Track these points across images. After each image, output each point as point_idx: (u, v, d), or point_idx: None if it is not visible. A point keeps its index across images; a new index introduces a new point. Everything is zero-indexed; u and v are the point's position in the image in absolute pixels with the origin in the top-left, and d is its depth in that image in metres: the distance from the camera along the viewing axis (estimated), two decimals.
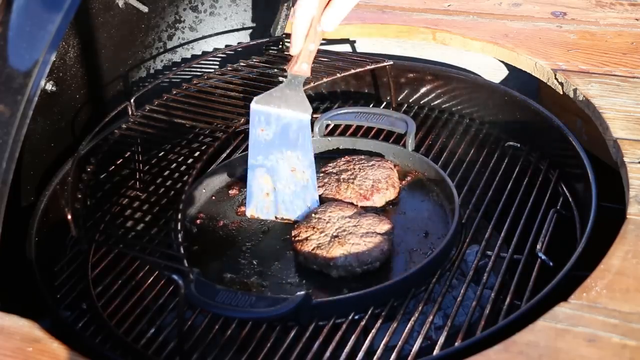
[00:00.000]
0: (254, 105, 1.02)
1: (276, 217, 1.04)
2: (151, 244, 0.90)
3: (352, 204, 1.03)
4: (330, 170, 1.09)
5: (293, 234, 0.97)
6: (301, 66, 1.00)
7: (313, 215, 0.99)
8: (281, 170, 1.02)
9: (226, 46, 1.33)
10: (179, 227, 0.87)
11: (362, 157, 1.12)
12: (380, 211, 1.04)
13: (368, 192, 1.04)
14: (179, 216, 0.89)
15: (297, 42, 0.99)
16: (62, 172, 1.05)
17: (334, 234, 0.94)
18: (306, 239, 0.95)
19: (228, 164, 1.16)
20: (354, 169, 1.08)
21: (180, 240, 0.86)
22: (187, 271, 0.80)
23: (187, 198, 1.04)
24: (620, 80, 1.13)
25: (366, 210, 1.03)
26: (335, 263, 0.91)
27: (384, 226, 0.96)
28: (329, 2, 0.96)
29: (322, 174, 1.09)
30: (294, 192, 1.02)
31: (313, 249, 0.93)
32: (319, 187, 1.06)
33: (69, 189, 0.95)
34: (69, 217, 0.92)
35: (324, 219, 0.97)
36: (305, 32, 0.98)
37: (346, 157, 1.12)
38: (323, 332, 0.83)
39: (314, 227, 0.96)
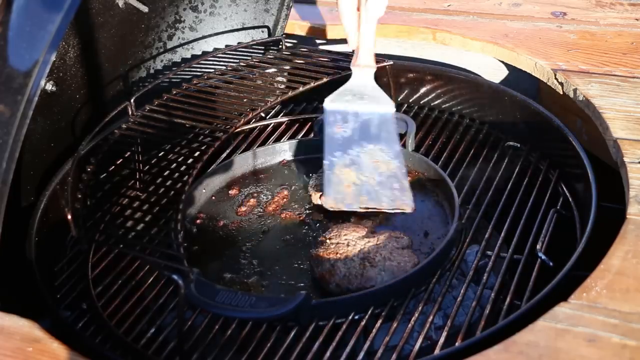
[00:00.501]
0: (327, 105, 0.98)
1: (361, 207, 0.96)
2: (151, 244, 0.90)
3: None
4: None
5: (314, 263, 0.93)
6: (363, 58, 0.96)
7: (328, 241, 0.95)
8: (364, 163, 0.96)
9: (226, 46, 1.33)
10: (179, 227, 0.87)
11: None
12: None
13: None
14: (179, 216, 0.89)
15: (351, 36, 0.95)
16: (62, 172, 1.05)
17: (361, 257, 0.91)
18: (332, 266, 0.91)
19: (228, 164, 1.16)
20: None
21: (180, 240, 0.86)
22: (187, 271, 0.80)
23: (187, 198, 1.04)
24: (620, 80, 1.13)
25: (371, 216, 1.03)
26: (373, 286, 0.88)
27: (404, 240, 0.94)
28: None
29: (322, 174, 1.09)
30: (380, 182, 0.95)
31: (345, 276, 0.90)
32: (319, 187, 1.06)
33: (69, 189, 0.95)
34: (69, 217, 0.92)
35: (343, 243, 0.94)
36: (354, 24, 0.94)
37: None
38: (323, 332, 0.83)
39: (336, 253, 0.92)
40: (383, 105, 0.96)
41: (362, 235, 0.95)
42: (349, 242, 0.94)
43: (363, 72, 0.97)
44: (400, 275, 0.89)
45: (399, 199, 0.93)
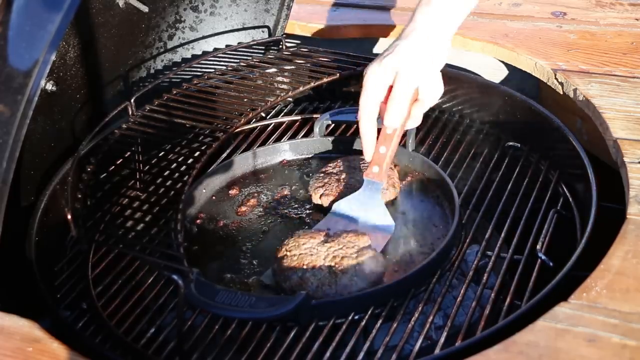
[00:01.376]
0: (334, 208, 1.01)
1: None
2: (151, 244, 0.90)
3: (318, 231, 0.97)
4: (331, 171, 1.09)
5: (281, 279, 0.91)
6: (372, 170, 0.98)
7: (288, 253, 0.92)
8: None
9: (226, 46, 1.33)
10: (179, 227, 0.87)
11: (362, 157, 1.12)
12: None
13: None
14: (179, 216, 0.89)
15: (368, 149, 0.97)
16: (62, 172, 1.05)
17: (328, 264, 0.89)
18: (301, 278, 0.89)
19: (228, 164, 1.16)
20: (354, 169, 1.08)
21: (180, 240, 0.86)
22: (186, 271, 0.80)
23: (187, 198, 1.04)
24: (620, 80, 1.13)
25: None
26: (349, 292, 0.87)
27: (364, 238, 0.92)
28: (387, 98, 0.94)
29: (322, 174, 1.09)
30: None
31: (318, 287, 0.88)
32: (319, 187, 1.06)
33: (69, 189, 0.95)
34: (69, 217, 0.92)
35: (305, 253, 0.91)
36: (373, 137, 0.96)
37: (342, 158, 1.12)
38: (323, 333, 0.83)
39: (304, 265, 0.90)
40: (383, 221, 0.98)
41: (320, 240, 0.93)
42: (310, 250, 0.92)
43: (373, 185, 0.99)
44: (372, 277, 0.88)
45: None
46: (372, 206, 1.00)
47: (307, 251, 0.92)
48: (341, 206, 1.01)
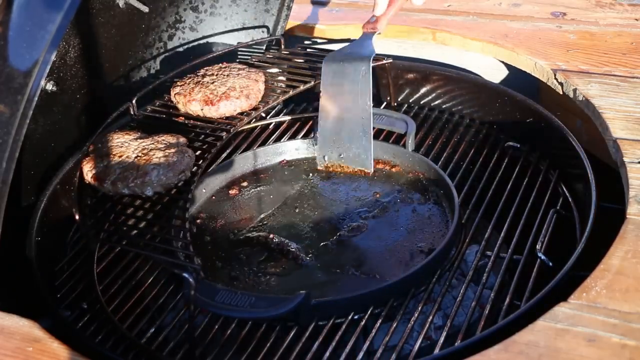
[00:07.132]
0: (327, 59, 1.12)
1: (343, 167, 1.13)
2: (161, 242, 0.90)
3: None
4: (199, 73, 1.13)
5: (86, 170, 0.95)
6: (379, 24, 1.11)
7: (99, 146, 0.98)
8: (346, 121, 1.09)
9: (226, 46, 1.33)
10: (188, 226, 0.87)
11: (240, 65, 1.15)
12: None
13: (216, 97, 1.05)
14: (187, 215, 0.89)
15: (381, 5, 1.11)
16: (62, 172, 1.05)
17: (136, 156, 0.95)
18: (107, 167, 0.94)
19: (228, 164, 1.16)
20: (222, 75, 1.11)
21: (189, 238, 0.85)
22: (198, 269, 0.79)
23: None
24: (620, 80, 1.13)
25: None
26: (150, 180, 0.92)
27: (180, 140, 0.99)
28: None
29: (191, 76, 1.13)
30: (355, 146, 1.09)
31: (121, 174, 0.92)
32: (178, 85, 1.10)
33: (76, 188, 0.94)
34: (77, 217, 0.91)
35: (116, 146, 0.97)
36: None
37: (225, 63, 1.16)
38: (323, 332, 0.83)
39: (111, 155, 0.95)
40: (360, 58, 1.09)
41: (135, 137, 0.98)
42: (121, 144, 0.97)
43: (367, 36, 1.12)
44: (176, 167, 0.92)
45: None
46: (358, 50, 1.10)
47: (118, 144, 0.97)
48: (335, 54, 1.12)
